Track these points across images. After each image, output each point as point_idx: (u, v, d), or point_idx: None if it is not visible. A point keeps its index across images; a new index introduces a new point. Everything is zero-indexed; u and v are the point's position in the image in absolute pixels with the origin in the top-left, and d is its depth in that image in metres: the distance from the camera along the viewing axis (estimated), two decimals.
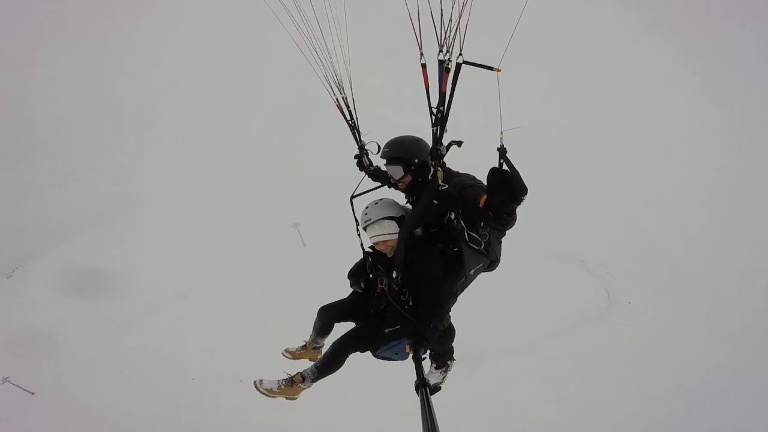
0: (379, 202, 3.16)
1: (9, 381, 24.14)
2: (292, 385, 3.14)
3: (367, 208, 3.13)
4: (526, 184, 2.28)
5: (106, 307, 25.96)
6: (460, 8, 2.22)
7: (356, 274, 3.44)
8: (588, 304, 20.31)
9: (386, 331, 3.04)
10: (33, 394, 24.07)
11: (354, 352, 3.11)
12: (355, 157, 3.45)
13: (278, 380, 3.20)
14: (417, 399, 1.99)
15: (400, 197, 3.24)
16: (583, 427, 14.67)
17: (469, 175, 3.08)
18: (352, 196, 3.25)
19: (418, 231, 3.07)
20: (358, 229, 3.16)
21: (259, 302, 20.39)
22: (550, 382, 16.86)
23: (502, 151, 2.40)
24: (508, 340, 19.20)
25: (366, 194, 3.29)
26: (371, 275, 3.27)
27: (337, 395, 21.01)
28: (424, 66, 2.54)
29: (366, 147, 3.46)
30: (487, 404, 15.77)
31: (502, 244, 3.15)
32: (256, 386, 3.19)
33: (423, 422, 1.74)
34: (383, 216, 3.02)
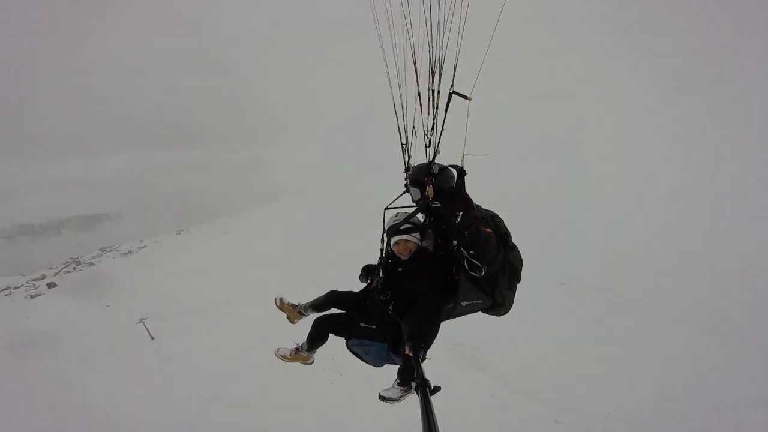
0: (408, 211, 3.45)
1: (143, 322, 30.58)
2: (298, 353, 3.62)
3: (397, 213, 3.44)
4: (471, 207, 2.67)
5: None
6: (447, 48, 2.70)
7: (367, 269, 3.74)
8: None
9: (361, 324, 3.23)
10: (153, 339, 29.97)
11: (330, 331, 3.42)
12: (405, 170, 3.65)
13: (290, 349, 3.69)
14: (417, 399, 1.98)
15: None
16: None
17: (487, 211, 3.30)
18: (387, 208, 3.50)
19: (429, 247, 3.28)
20: (383, 237, 3.43)
21: None
22: None
23: (461, 172, 2.81)
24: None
25: (398, 209, 3.57)
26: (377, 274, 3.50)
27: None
28: (419, 95, 2.96)
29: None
30: None
31: (515, 292, 3.24)
32: (275, 353, 3.70)
33: (423, 422, 1.72)
34: (403, 229, 3.27)
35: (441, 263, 3.16)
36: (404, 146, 3.37)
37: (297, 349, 3.60)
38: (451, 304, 3.05)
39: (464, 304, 3.05)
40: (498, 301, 3.13)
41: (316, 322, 3.43)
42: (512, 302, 3.27)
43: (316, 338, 3.47)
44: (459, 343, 27.09)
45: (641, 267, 37.12)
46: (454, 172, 3.10)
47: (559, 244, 43.09)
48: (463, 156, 2.90)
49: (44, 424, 19.92)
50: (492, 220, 3.18)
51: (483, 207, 3.31)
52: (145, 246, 74.26)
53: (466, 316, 3.31)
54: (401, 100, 3.08)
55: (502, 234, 3.12)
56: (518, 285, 3.28)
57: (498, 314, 3.31)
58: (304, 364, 3.70)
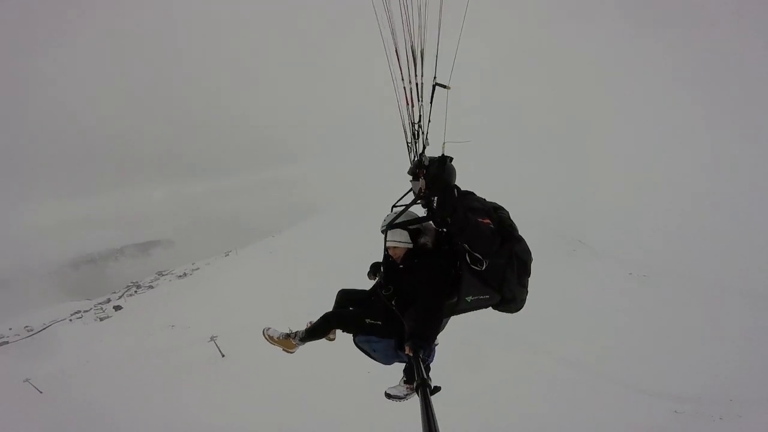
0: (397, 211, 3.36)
1: (214, 341, 32.54)
2: (287, 339, 3.54)
3: (387, 215, 3.34)
4: (449, 191, 2.84)
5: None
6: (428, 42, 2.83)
7: (374, 266, 3.71)
8: None
9: (367, 321, 3.21)
10: (224, 356, 31.83)
11: (336, 327, 3.39)
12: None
13: (280, 332, 3.61)
14: (417, 399, 1.99)
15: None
16: None
17: (491, 203, 3.22)
18: (394, 206, 3.50)
19: (429, 243, 3.21)
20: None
21: None
22: None
23: (441, 158, 2.99)
24: None
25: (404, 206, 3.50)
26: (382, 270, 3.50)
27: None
28: (404, 88, 3.06)
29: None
30: None
31: (527, 287, 3.08)
32: (263, 332, 3.62)
33: (423, 422, 1.73)
34: (395, 223, 3.19)
35: (445, 258, 3.04)
36: (409, 145, 3.36)
37: (288, 334, 3.55)
38: (455, 299, 2.92)
39: (468, 299, 2.92)
40: (507, 297, 2.98)
41: (324, 317, 3.38)
42: (524, 299, 3.08)
43: (317, 331, 3.39)
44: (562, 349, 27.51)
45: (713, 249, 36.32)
46: (446, 163, 3.11)
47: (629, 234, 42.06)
48: (444, 143, 2.97)
49: None
50: (495, 212, 3.08)
51: (488, 199, 3.23)
52: (198, 268, 78.13)
53: (479, 311, 3.18)
54: (405, 97, 3.09)
55: (506, 226, 2.99)
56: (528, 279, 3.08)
57: (509, 311, 3.11)
58: (286, 350, 3.59)
